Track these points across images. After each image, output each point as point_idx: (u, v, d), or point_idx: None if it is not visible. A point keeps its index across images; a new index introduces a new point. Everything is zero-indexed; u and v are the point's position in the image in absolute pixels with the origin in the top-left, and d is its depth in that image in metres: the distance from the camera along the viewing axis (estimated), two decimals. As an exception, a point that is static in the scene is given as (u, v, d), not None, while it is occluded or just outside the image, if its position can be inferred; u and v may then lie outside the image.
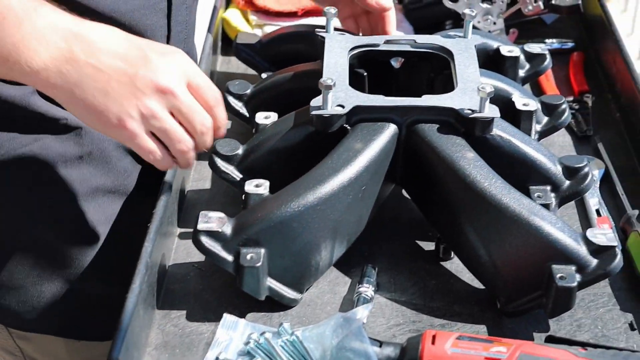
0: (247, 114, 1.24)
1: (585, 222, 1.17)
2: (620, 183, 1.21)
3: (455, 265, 1.10)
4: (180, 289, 1.07)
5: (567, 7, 1.48)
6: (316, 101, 1.06)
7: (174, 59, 0.92)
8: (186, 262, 1.11)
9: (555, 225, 0.98)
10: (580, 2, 1.48)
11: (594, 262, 0.98)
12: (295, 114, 1.12)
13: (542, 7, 1.48)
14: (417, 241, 1.14)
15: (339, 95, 1.07)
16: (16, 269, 1.12)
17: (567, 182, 1.10)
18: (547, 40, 1.53)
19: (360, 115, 1.07)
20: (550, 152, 1.11)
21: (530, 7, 1.47)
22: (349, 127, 1.07)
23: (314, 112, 1.05)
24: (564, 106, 1.20)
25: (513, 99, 1.17)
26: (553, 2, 1.48)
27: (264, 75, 1.33)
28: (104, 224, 1.15)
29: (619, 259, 0.98)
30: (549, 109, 1.20)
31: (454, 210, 1.04)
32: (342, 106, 1.06)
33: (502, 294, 1.02)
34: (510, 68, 1.26)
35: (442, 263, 1.11)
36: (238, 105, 1.25)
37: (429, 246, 1.13)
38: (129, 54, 0.89)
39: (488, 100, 1.04)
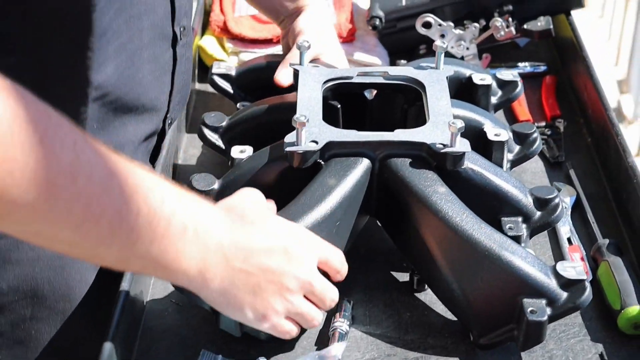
0: (223, 146, 1.26)
1: (557, 250, 1.18)
2: (591, 210, 1.23)
3: (429, 296, 1.12)
4: (159, 326, 1.09)
5: (539, 32, 1.50)
6: (290, 137, 1.07)
7: (307, 244, 0.95)
8: (164, 297, 1.12)
9: (526, 259, 1.00)
10: (551, 26, 1.50)
11: (564, 295, 1.00)
12: (270, 149, 1.13)
13: (514, 32, 1.50)
14: (391, 272, 1.16)
15: (312, 130, 1.09)
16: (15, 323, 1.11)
17: (538, 213, 1.11)
18: (520, 64, 1.55)
19: (333, 151, 1.08)
20: (521, 183, 1.13)
21: (502, 33, 1.49)
22: (322, 163, 1.08)
23: (288, 149, 1.06)
24: (535, 135, 1.22)
25: (485, 129, 1.18)
26: (525, 27, 1.50)
27: (239, 106, 1.35)
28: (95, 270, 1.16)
29: (588, 293, 1.00)
30: (521, 138, 1.22)
31: (426, 244, 1.05)
32: (316, 142, 1.07)
33: (474, 327, 1.04)
34: (483, 96, 1.27)
35: (416, 294, 1.13)
36: (214, 138, 1.26)
37: (404, 277, 1.15)
38: (273, 249, 0.91)
39: (459, 135, 1.06)
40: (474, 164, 1.09)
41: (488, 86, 1.27)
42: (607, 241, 1.14)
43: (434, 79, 1.18)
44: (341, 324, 1.06)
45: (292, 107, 1.13)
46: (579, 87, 1.46)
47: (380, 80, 1.21)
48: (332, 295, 0.99)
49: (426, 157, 1.08)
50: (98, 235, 0.78)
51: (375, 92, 1.24)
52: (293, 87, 1.21)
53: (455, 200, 1.04)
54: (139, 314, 1.08)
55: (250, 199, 0.97)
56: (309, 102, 1.14)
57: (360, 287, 1.13)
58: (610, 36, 3.62)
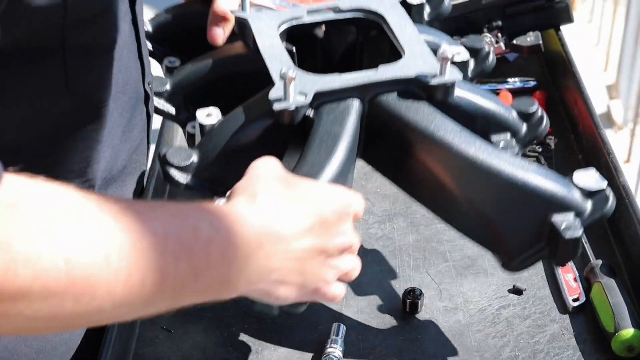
0: (171, 111, 1.16)
1: (550, 270, 1.18)
2: (583, 229, 1.22)
3: (422, 319, 1.12)
4: (150, 353, 1.08)
5: (528, 47, 1.49)
6: (275, 93, 1.00)
7: (340, 205, 0.91)
8: (155, 324, 1.11)
9: (548, 177, 0.99)
10: (541, 42, 1.49)
11: (589, 204, 0.99)
12: (245, 108, 1.05)
13: (503, 47, 1.49)
14: (383, 296, 1.15)
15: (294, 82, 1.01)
16: None
17: (525, 127, 1.11)
18: (509, 79, 1.54)
19: (320, 100, 1.02)
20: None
21: (491, 48, 1.48)
22: (311, 114, 1.02)
23: (278, 106, 0.99)
24: (486, 48, 1.19)
25: (443, 50, 1.09)
26: (514, 42, 1.50)
27: (166, 62, 1.22)
28: None
29: (612, 200, 1.00)
30: (473, 52, 1.18)
31: (442, 181, 1.02)
32: (304, 94, 1.01)
33: (504, 252, 1.03)
34: (417, 14, 1.22)
35: (408, 317, 1.12)
36: (160, 103, 1.15)
37: (396, 300, 1.14)
38: (312, 227, 0.87)
39: (449, 64, 1.03)
40: (459, 88, 1.06)
41: (422, 4, 1.22)
42: (600, 262, 1.14)
43: (388, 6, 1.13)
44: (334, 349, 1.05)
45: (247, 59, 1.08)
46: (569, 103, 1.45)
47: (334, 16, 1.15)
48: (359, 242, 0.96)
49: (416, 90, 1.04)
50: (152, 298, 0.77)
51: (324, 28, 1.18)
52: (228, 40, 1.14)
53: (462, 130, 1.01)
54: (130, 341, 1.08)
55: (267, 171, 0.91)
56: (273, 52, 1.07)
57: (353, 311, 1.12)
58: (599, 41, 3.62)
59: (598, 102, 3.21)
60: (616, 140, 3.10)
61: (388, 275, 1.16)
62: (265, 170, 0.90)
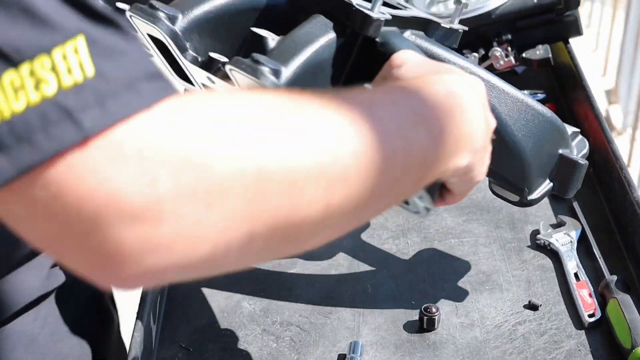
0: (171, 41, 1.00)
1: (564, 285, 1.19)
2: (597, 244, 1.23)
3: (439, 336, 1.12)
4: (169, 372, 1.08)
5: (538, 61, 1.50)
6: (364, 4, 0.98)
7: (485, 97, 0.92)
8: (174, 343, 1.11)
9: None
10: (550, 55, 1.50)
11: (574, 145, 1.10)
12: (316, 24, 1.00)
13: (513, 61, 1.50)
14: (400, 312, 1.16)
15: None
16: None
17: None
18: (519, 92, 1.54)
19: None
20: None
21: (501, 62, 1.49)
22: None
23: (379, 16, 0.98)
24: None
25: None
26: (524, 55, 1.51)
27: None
28: None
29: (588, 144, 1.12)
30: None
31: None
32: (382, 12, 1.00)
33: (525, 185, 1.08)
34: None
35: (426, 334, 1.13)
36: (171, 34, 0.99)
37: (413, 316, 1.15)
38: (484, 105, 0.88)
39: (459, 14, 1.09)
40: None
41: None
42: (615, 278, 1.15)
43: None
44: (352, 367, 1.06)
45: None
46: (579, 117, 1.46)
47: None
48: None
49: (426, 33, 1.08)
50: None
51: None
52: None
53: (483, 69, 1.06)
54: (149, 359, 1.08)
55: (422, 58, 0.94)
56: None
57: (370, 328, 1.13)
58: (598, 46, 3.63)
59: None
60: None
61: (404, 291, 1.17)
62: (419, 57, 0.95)
